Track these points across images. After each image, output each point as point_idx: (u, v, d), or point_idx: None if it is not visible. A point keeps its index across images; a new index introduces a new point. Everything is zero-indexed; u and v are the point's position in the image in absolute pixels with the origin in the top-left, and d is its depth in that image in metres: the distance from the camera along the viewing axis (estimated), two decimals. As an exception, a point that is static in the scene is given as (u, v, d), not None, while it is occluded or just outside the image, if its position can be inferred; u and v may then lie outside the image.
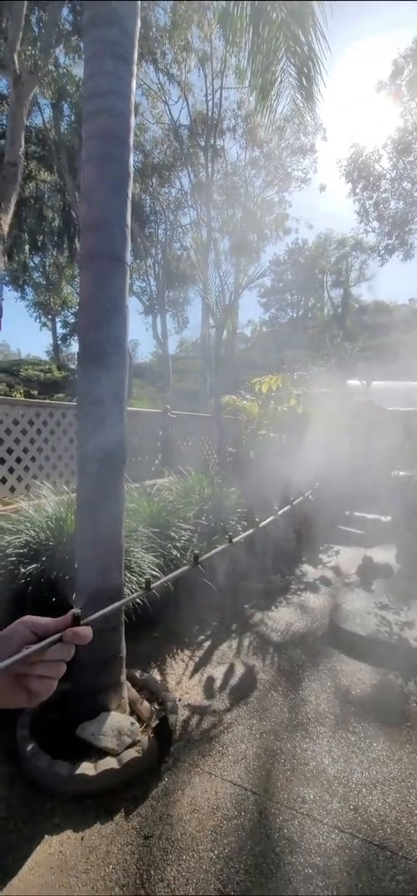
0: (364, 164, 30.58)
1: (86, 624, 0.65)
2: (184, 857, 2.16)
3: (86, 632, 0.63)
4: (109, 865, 2.12)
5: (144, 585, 0.99)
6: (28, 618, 0.65)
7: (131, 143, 3.15)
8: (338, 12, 5.06)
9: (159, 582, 1.05)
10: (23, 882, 2.03)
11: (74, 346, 36.94)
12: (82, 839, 2.24)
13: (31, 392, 13.75)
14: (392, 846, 2.19)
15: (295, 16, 5.16)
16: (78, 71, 20.54)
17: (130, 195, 3.11)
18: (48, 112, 22.46)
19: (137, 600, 3.35)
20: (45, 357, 35.94)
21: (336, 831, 2.28)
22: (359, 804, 2.44)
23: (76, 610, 0.65)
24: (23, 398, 6.96)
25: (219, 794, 2.52)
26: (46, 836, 2.24)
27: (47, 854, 2.16)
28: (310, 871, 2.08)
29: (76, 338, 34.62)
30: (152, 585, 1.02)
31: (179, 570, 1.13)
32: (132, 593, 3.28)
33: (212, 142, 25.66)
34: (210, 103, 24.99)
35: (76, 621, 0.63)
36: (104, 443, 2.85)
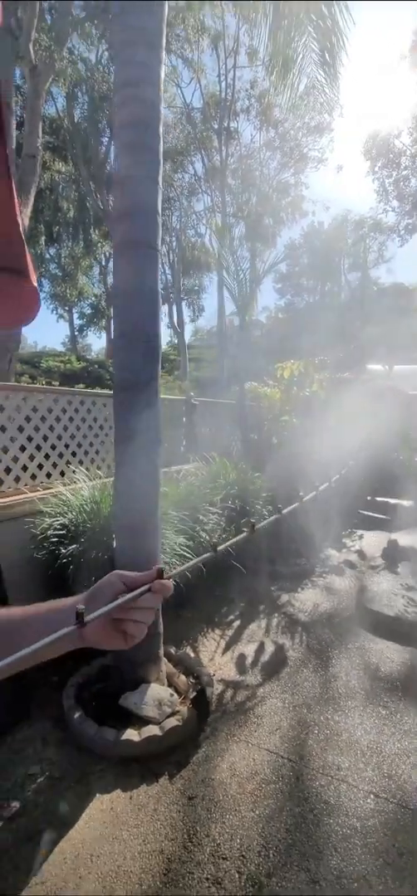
0: (384, 140, 29.89)
1: (168, 578, 0.75)
2: (227, 816, 2.29)
3: (169, 584, 0.72)
4: (158, 822, 2.26)
5: (211, 546, 1.06)
6: (119, 571, 0.75)
7: (161, 131, 3.22)
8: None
9: (225, 545, 1.11)
10: (80, 833, 2.19)
11: (91, 337, 37.33)
12: (131, 798, 2.39)
13: (52, 383, 13.98)
14: (427, 810, 2.29)
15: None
16: (91, 56, 20.50)
17: (160, 183, 3.19)
18: (61, 101, 22.46)
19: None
20: (61, 348, 36.36)
21: (372, 796, 2.39)
22: (393, 772, 2.54)
23: (161, 565, 0.75)
24: (55, 387, 7.13)
25: (257, 760, 2.65)
26: (98, 795, 2.40)
27: (100, 810, 2.32)
28: (348, 830, 2.19)
29: (92, 329, 34.91)
30: (219, 547, 1.09)
31: (239, 537, 1.20)
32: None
33: (226, 124, 25.36)
34: (223, 84, 24.68)
35: (160, 574, 0.72)
36: (141, 425, 2.96)
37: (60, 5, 13.49)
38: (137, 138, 3.04)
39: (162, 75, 3.24)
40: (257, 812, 2.31)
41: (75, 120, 22.17)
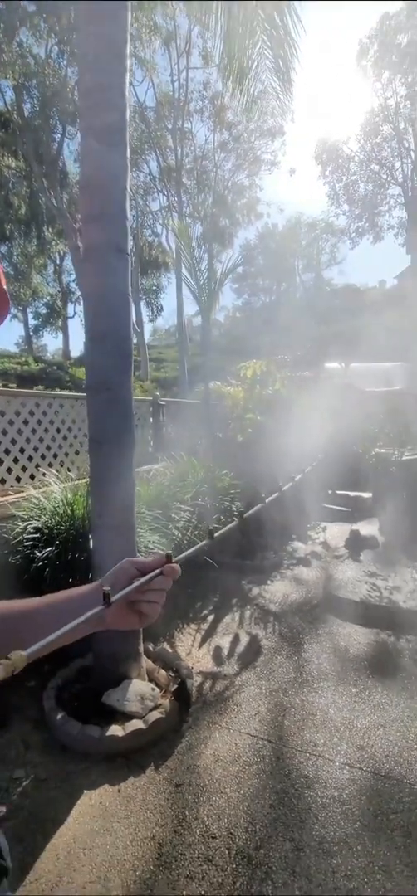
0: (333, 146, 30.96)
1: (176, 562, 0.83)
2: (214, 798, 2.39)
3: (178, 567, 0.81)
4: (147, 810, 2.33)
5: (208, 533, 1.14)
6: (131, 559, 0.83)
7: (128, 137, 3.27)
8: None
9: (220, 531, 1.18)
10: (71, 829, 2.22)
11: (46, 338, 36.31)
12: (119, 791, 2.44)
13: (10, 385, 13.56)
14: (396, 775, 2.48)
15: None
16: (40, 51, 19.96)
17: (127, 187, 3.23)
18: (10, 95, 21.72)
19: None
20: (14, 349, 35.16)
21: (347, 767, 2.55)
22: (365, 744, 2.72)
23: (168, 551, 0.83)
24: (23, 389, 6.96)
25: (238, 745, 2.76)
26: (86, 791, 2.44)
27: (89, 805, 2.36)
28: (327, 800, 2.35)
29: (49, 329, 34.02)
30: (216, 534, 1.17)
31: (230, 525, 1.29)
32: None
33: (180, 124, 25.41)
34: (176, 84, 24.73)
35: (169, 559, 0.80)
36: (115, 426, 3.01)
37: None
38: (105, 143, 3.07)
39: (127, 81, 3.29)
40: (241, 792, 2.42)
41: (26, 115, 21.51)
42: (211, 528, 1.14)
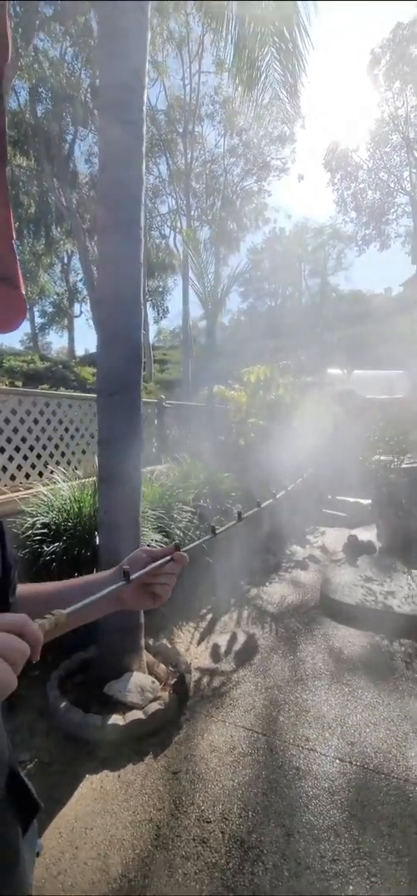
0: (343, 154, 31.10)
1: (185, 552, 0.95)
2: (209, 785, 2.51)
3: (185, 556, 0.92)
4: (145, 795, 2.45)
5: (211, 529, 1.26)
6: (144, 547, 0.95)
7: (144, 150, 3.40)
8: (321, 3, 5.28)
9: (222, 529, 1.30)
10: (72, 810, 2.34)
11: (52, 336, 36.57)
12: (119, 776, 2.57)
13: (15, 383, 13.73)
14: (385, 770, 2.59)
15: (281, 13, 5.37)
16: (55, 53, 20.24)
17: (143, 200, 3.37)
18: (24, 95, 22.01)
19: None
20: (19, 346, 35.43)
21: (337, 761, 2.67)
22: (356, 740, 2.84)
23: (177, 542, 0.96)
24: (33, 389, 7.11)
25: (234, 737, 2.88)
26: (87, 776, 2.56)
27: (90, 789, 2.48)
28: (317, 791, 2.46)
29: (55, 328, 34.24)
30: (218, 531, 1.28)
31: (230, 524, 1.40)
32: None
33: (190, 128, 25.62)
34: (187, 87, 24.92)
35: (178, 548, 0.92)
36: (125, 428, 3.14)
37: (29, 4, 13.36)
38: (122, 157, 3.20)
39: (145, 99, 3.43)
40: (236, 781, 2.54)
41: (38, 116, 21.77)
42: (213, 525, 1.27)
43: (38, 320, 34.70)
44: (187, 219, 27.06)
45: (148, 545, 3.87)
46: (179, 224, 28.44)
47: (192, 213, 27.67)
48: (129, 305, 3.19)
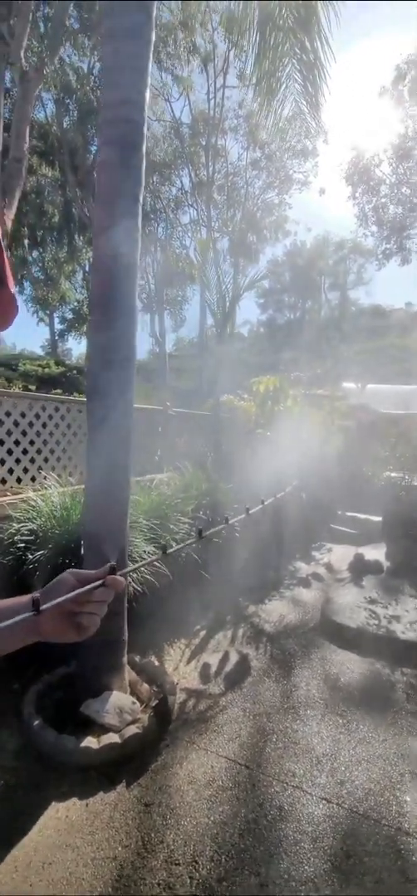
0: (365, 168, 30.82)
1: (121, 575, 0.80)
2: (182, 822, 2.32)
3: (121, 580, 0.77)
4: (112, 829, 2.28)
5: (197, 533, 1.11)
6: (73, 570, 0.80)
7: (144, 150, 3.30)
8: (343, 12, 5.14)
9: (174, 549, 1.17)
10: (33, 841, 2.19)
11: (71, 342, 37.01)
12: (87, 805, 2.40)
13: (29, 387, 13.80)
14: (375, 815, 2.37)
15: (301, 23, 5.27)
16: (83, 66, 20.64)
17: (141, 200, 3.26)
18: (51, 107, 22.51)
19: (139, 588, 3.51)
20: (40, 352, 35.92)
21: (324, 802, 2.46)
22: (345, 778, 2.62)
23: (112, 563, 0.80)
24: (30, 392, 7.08)
25: (214, 768, 2.69)
26: (54, 803, 2.40)
27: (55, 818, 2.32)
28: (299, 835, 2.26)
29: (74, 334, 34.68)
30: (168, 551, 1.15)
31: (187, 542, 1.26)
32: (133, 580, 3.44)
33: (214, 141, 25.80)
34: (211, 102, 25.15)
35: (113, 571, 0.78)
36: (113, 434, 3.00)
37: (55, 14, 13.56)
38: (120, 157, 3.10)
39: (147, 97, 3.33)
40: (212, 818, 2.35)
41: (64, 126, 22.19)
42: (200, 527, 1.13)
43: (57, 326, 35.11)
44: (207, 230, 27.13)
45: (139, 556, 3.74)
46: (199, 235, 28.56)
47: (212, 224, 27.74)
48: (120, 309, 3.07)
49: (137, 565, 0.97)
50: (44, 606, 0.67)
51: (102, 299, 3.11)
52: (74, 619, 0.75)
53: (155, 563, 3.83)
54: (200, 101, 26.11)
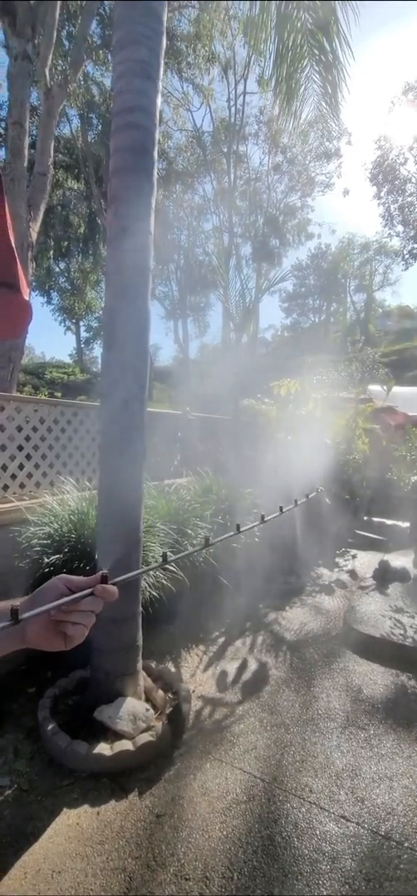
0: (390, 167, 30.30)
1: (113, 584, 0.75)
2: (194, 835, 2.25)
3: (113, 589, 0.72)
4: (123, 839, 2.23)
5: (161, 559, 1.07)
6: (64, 575, 0.76)
7: (156, 155, 3.29)
8: (361, 9, 5.02)
9: (174, 557, 1.11)
10: (43, 848, 2.16)
11: (97, 350, 37.60)
12: (98, 814, 2.36)
13: (55, 394, 14.10)
14: (397, 837, 2.24)
15: (319, 23, 5.19)
16: (106, 81, 21.06)
17: (153, 205, 3.24)
18: (76, 122, 23.05)
19: (155, 593, 3.48)
20: (68, 360, 36.66)
21: (343, 820, 2.34)
22: (366, 796, 2.49)
23: (104, 571, 0.75)
24: (52, 398, 7.18)
25: (229, 780, 2.61)
26: (65, 809, 2.37)
27: (65, 825, 2.29)
28: (316, 855, 2.15)
29: (99, 342, 35.27)
30: (169, 558, 1.09)
31: (193, 549, 1.22)
32: (149, 585, 3.41)
33: (235, 147, 25.87)
34: (232, 109, 25.25)
35: (104, 580, 0.72)
36: (126, 439, 2.99)
37: (78, 31, 13.89)
38: (132, 162, 3.10)
39: (159, 104, 3.33)
40: (224, 833, 2.27)
41: (89, 140, 22.66)
42: (207, 535, 1.09)
43: (83, 335, 35.82)
44: (229, 235, 27.16)
45: (155, 560, 3.70)
46: (222, 242, 28.65)
47: (235, 230, 27.76)
48: (133, 313, 3.06)
49: (129, 574, 0.90)
50: (23, 616, 0.63)
51: (115, 299, 3.11)
52: (59, 627, 0.71)
53: (170, 567, 3.80)
54: (221, 108, 26.25)
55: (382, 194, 30.89)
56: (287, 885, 2.00)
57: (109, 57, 19.85)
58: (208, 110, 25.93)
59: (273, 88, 5.88)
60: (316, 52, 5.43)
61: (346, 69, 5.32)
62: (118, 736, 2.74)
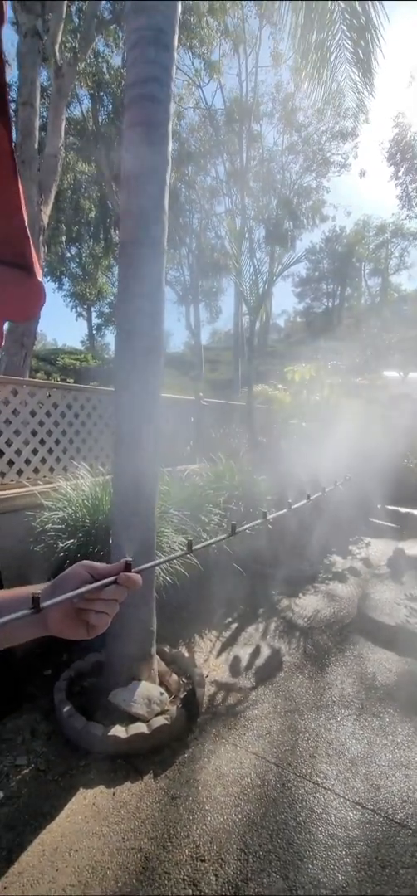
0: (408, 145, 29.49)
1: (137, 572, 0.73)
2: (209, 818, 2.27)
3: (137, 577, 0.70)
4: (139, 819, 2.26)
5: (187, 547, 1.04)
6: (87, 562, 0.74)
7: (170, 130, 3.21)
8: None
9: (200, 545, 1.08)
10: (60, 826, 2.19)
11: (109, 336, 37.64)
12: (114, 794, 2.39)
13: (67, 380, 14.15)
14: (413, 825, 2.23)
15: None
16: (116, 60, 20.74)
17: (167, 181, 3.18)
18: (86, 103, 22.79)
19: (168, 579, 3.48)
20: (80, 346, 36.76)
21: (358, 807, 2.34)
22: (381, 784, 2.49)
23: (128, 558, 0.73)
24: (57, 383, 7.21)
25: (243, 764, 2.62)
26: (81, 789, 2.41)
27: (82, 805, 2.33)
28: (331, 840, 2.15)
29: (111, 328, 35.22)
30: (194, 547, 1.07)
31: (219, 538, 1.19)
32: (163, 570, 3.41)
33: (247, 126, 25.36)
34: (245, 86, 24.72)
35: (128, 568, 0.70)
36: (140, 424, 2.97)
37: (88, 7, 13.66)
38: (146, 138, 3.04)
39: (173, 75, 3.24)
40: (239, 816, 2.29)
41: (99, 121, 22.41)
42: (234, 523, 1.07)
43: (95, 321, 35.80)
44: (241, 218, 26.79)
45: (170, 547, 3.70)
46: (230, 222, 28.32)
47: (247, 212, 27.35)
48: (146, 297, 3.02)
49: (154, 562, 0.89)
50: (44, 604, 0.61)
51: (127, 280, 3.06)
52: (82, 615, 0.70)
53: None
54: (234, 86, 25.72)
55: (400, 174, 30.15)
56: (303, 869, 2.01)
57: (121, 33, 19.53)
58: (219, 88, 25.43)
59: (299, 59, 5.61)
60: (347, 15, 5.17)
61: (381, 33, 5.08)
62: (133, 719, 2.76)
